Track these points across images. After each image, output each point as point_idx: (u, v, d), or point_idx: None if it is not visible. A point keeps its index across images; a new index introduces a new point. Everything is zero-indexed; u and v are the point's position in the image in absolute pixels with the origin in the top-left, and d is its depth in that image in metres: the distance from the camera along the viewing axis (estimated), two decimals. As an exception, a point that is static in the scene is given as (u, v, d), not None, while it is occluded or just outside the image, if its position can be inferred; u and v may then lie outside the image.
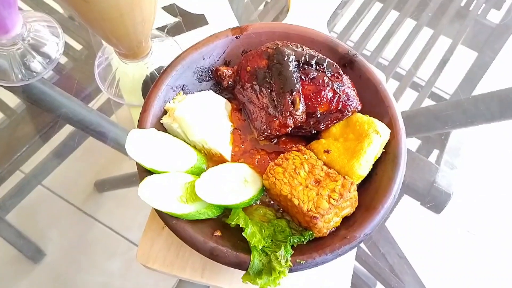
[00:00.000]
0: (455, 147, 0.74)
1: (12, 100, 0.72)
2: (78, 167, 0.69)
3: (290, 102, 0.53)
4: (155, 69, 0.70)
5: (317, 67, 0.55)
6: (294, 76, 0.54)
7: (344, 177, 0.51)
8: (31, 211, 0.65)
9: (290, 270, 0.48)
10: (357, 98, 0.55)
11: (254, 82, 0.57)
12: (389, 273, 0.64)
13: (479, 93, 0.79)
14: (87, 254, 0.64)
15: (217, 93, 0.60)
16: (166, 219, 0.50)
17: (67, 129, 0.70)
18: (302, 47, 0.57)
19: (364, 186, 0.54)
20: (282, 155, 0.53)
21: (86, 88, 0.73)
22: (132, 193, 0.68)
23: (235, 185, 0.52)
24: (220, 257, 0.49)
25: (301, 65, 0.55)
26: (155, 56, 0.69)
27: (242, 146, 0.58)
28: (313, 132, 0.57)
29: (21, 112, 0.72)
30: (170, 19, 0.77)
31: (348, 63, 0.59)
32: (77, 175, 0.68)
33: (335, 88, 0.54)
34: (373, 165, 0.54)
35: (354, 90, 0.55)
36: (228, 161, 0.56)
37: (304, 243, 0.50)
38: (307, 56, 0.55)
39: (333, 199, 0.49)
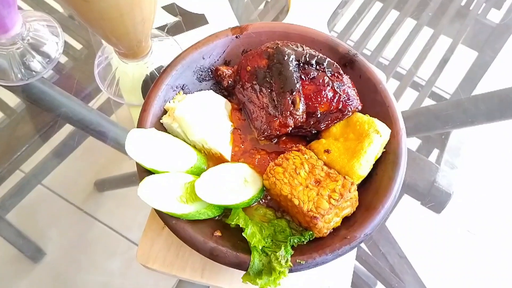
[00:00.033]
0: (456, 146, 0.74)
1: (12, 100, 0.72)
2: (78, 166, 0.69)
3: (290, 102, 0.53)
4: (155, 69, 0.70)
5: (318, 67, 0.55)
6: (294, 75, 0.54)
7: (344, 177, 0.51)
8: (31, 211, 0.65)
9: (290, 270, 0.48)
10: (358, 97, 0.55)
11: (254, 82, 0.57)
12: (390, 273, 0.64)
13: (480, 92, 0.79)
14: (87, 253, 0.64)
15: (217, 93, 0.60)
16: (166, 219, 0.50)
17: (67, 128, 0.70)
18: (302, 47, 0.57)
19: (364, 186, 0.54)
20: (282, 155, 0.53)
21: (86, 87, 0.73)
22: (132, 192, 0.68)
23: (235, 185, 0.52)
24: (220, 257, 0.49)
25: (301, 64, 0.55)
26: (155, 56, 0.69)
27: (242, 146, 0.58)
28: (313, 132, 0.57)
29: (21, 111, 0.72)
30: (170, 19, 0.77)
31: (348, 63, 0.59)
32: (77, 175, 0.68)
33: (335, 87, 0.54)
34: (374, 165, 0.53)
35: (354, 89, 0.55)
36: (228, 161, 0.56)
37: (304, 243, 0.50)
38: (307, 56, 0.55)
39: (334, 199, 0.49)
